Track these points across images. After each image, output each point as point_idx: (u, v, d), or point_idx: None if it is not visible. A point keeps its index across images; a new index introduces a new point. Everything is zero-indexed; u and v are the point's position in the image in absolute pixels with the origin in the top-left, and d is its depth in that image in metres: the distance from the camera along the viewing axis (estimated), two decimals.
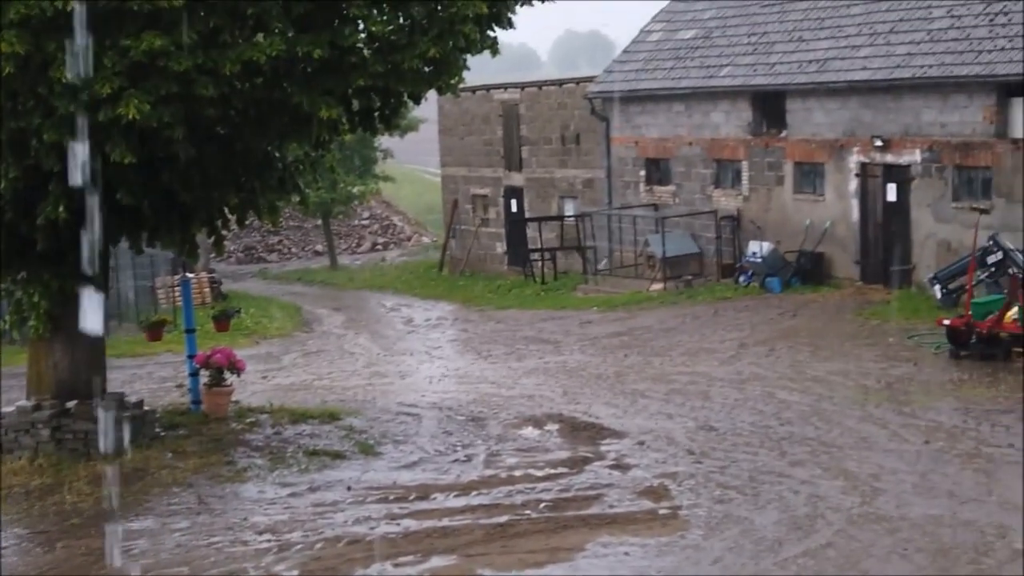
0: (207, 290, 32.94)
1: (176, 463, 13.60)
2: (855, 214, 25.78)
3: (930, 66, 23.92)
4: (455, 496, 12.47)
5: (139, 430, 14.16)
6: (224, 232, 15.37)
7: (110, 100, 11.99)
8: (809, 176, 26.89)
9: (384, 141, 44.40)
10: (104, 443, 13.66)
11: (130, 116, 11.90)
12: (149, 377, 20.88)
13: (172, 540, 11.31)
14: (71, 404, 14.02)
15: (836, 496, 12.02)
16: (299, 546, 11.03)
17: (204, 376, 15.97)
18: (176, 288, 27.37)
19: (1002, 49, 22.83)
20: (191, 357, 16.19)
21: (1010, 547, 10.47)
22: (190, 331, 16.68)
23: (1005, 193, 22.66)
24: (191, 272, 28.39)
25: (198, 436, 14.74)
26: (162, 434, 14.72)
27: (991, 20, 23.65)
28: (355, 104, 13.98)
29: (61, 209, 12.59)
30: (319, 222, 47.31)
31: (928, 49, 24.28)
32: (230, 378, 16.02)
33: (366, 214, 52.61)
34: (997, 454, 13.36)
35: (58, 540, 11.39)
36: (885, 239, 25.31)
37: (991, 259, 20.97)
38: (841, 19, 27.09)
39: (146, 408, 14.77)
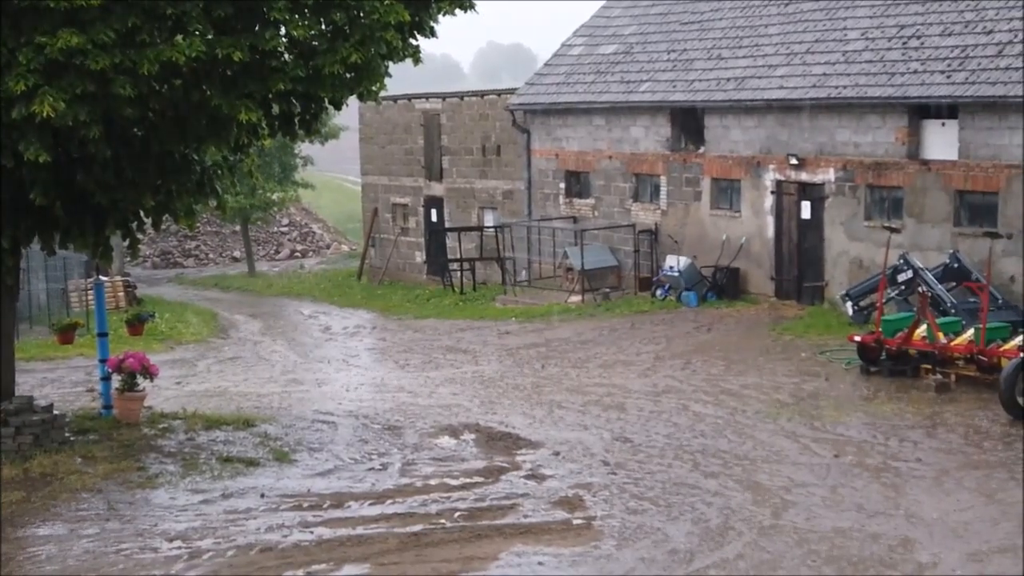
0: (121, 294, 32.48)
1: (86, 468, 13.38)
2: (770, 231, 26.14)
3: (845, 87, 24.34)
4: (370, 504, 12.42)
5: (48, 434, 13.92)
6: (139, 235, 15.18)
7: (24, 97, 11.81)
8: (726, 192, 27.24)
9: (304, 148, 44.23)
10: None
11: (44, 114, 11.73)
12: (60, 381, 20.50)
13: (80, 547, 11.13)
14: None
15: (748, 508, 12.18)
16: (210, 553, 10.91)
17: (116, 381, 15.73)
18: (89, 291, 26.92)
19: (915, 72, 23.31)
20: (103, 361, 15.94)
21: (915, 560, 10.70)
22: (102, 335, 16.42)
23: (916, 213, 23.13)
24: (105, 275, 27.94)
25: (109, 441, 14.51)
26: (72, 439, 14.45)
27: (904, 43, 24.13)
28: (275, 108, 13.93)
29: None
30: (237, 228, 46.94)
31: (843, 70, 24.72)
32: (143, 383, 15.78)
33: (285, 221, 52.26)
34: (904, 468, 13.63)
35: None
36: (799, 256, 25.70)
37: (901, 277, 21.46)
38: (759, 38, 27.49)
39: (56, 412, 14.49)
